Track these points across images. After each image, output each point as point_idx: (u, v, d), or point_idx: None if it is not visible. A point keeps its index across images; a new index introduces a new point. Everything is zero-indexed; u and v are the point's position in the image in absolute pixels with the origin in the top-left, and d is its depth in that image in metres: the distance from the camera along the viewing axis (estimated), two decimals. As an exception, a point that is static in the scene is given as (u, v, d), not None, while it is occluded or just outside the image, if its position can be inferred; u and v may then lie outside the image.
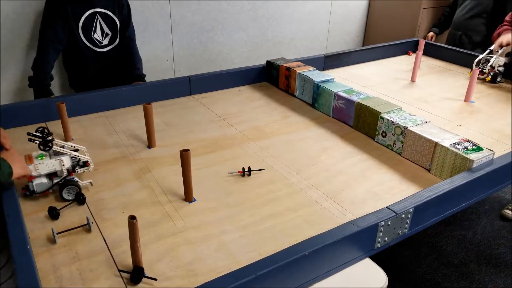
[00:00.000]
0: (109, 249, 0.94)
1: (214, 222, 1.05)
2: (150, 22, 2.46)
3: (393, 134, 1.42)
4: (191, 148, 1.40)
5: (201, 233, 1.00)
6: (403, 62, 2.42)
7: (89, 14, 1.75)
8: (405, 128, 1.37)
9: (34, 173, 1.07)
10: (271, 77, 2.03)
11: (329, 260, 0.92)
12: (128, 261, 0.89)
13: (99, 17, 1.78)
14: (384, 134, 1.47)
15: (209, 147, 1.43)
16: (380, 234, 0.99)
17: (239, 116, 1.68)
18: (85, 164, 1.17)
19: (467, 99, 1.86)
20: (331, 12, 3.24)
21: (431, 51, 2.51)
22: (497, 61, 2.10)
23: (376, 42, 2.96)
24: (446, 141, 1.27)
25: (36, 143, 1.10)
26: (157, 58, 2.55)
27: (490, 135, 1.56)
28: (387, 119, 1.44)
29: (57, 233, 0.95)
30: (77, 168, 1.15)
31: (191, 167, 1.09)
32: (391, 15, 3.26)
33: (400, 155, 1.41)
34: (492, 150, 1.24)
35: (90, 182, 1.17)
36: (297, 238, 0.99)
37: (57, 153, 1.12)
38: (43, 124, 1.53)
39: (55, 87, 2.23)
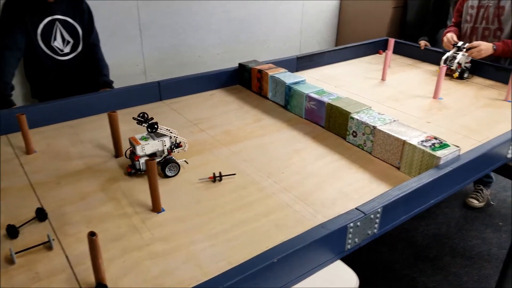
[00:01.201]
0: (71, 267, 0.91)
1: (182, 232, 1.03)
2: (118, 26, 2.41)
3: (363, 134, 1.43)
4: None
5: (169, 244, 0.98)
6: (374, 61, 2.45)
7: (48, 22, 1.69)
8: (374, 127, 1.38)
9: (140, 153, 1.21)
10: (244, 80, 2.02)
11: (299, 265, 0.91)
12: (92, 278, 0.85)
13: (58, 24, 1.73)
14: (354, 134, 1.47)
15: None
16: (350, 235, 0.98)
17: (211, 120, 1.66)
18: (179, 145, 1.32)
19: (435, 96, 1.89)
20: (303, 13, 3.25)
21: (401, 50, 2.54)
22: (464, 57, 2.14)
23: (348, 42, 2.99)
24: (414, 139, 1.28)
25: (144, 125, 1.25)
26: (127, 64, 2.50)
27: (458, 130, 1.59)
28: (357, 119, 1.44)
29: (16, 253, 0.91)
30: (174, 148, 1.28)
31: (157, 175, 1.06)
32: (362, 14, 3.29)
33: (371, 154, 1.42)
34: (458, 147, 1.26)
35: (185, 161, 1.32)
36: (268, 245, 0.98)
37: (159, 135, 1.25)
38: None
39: (18, 97, 2.15)
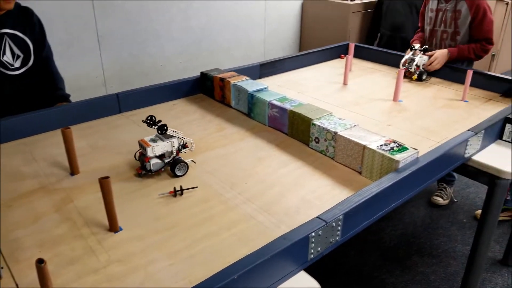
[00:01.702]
0: (21, 296, 0.86)
1: (141, 251, 0.99)
2: (75, 38, 2.34)
3: (325, 140, 1.43)
4: (119, 171, 1.35)
5: (126, 265, 0.94)
6: (337, 66, 2.47)
7: None
8: (335, 133, 1.38)
9: (151, 154, 1.26)
10: (206, 89, 1.99)
11: (261, 279, 0.89)
12: (43, 307, 0.81)
13: (7, 38, 1.65)
14: (317, 140, 1.47)
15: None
16: (312, 245, 0.98)
17: (172, 132, 1.62)
18: (185, 145, 1.36)
19: (395, 98, 1.92)
20: (265, 19, 3.26)
21: (363, 54, 2.58)
22: (422, 59, 2.20)
23: (311, 47, 3.02)
24: (374, 144, 1.29)
25: (154, 128, 1.29)
26: (85, 76, 2.43)
27: (418, 132, 1.62)
28: (319, 125, 1.44)
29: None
30: (181, 149, 1.33)
31: (112, 194, 1.02)
32: (323, 19, 3.33)
33: (333, 159, 1.42)
34: (417, 149, 1.28)
35: (192, 161, 1.37)
36: (230, 260, 0.95)
37: (167, 136, 1.30)
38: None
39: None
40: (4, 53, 1.66)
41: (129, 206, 1.16)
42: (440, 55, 2.19)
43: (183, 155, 1.36)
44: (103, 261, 0.96)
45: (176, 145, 1.31)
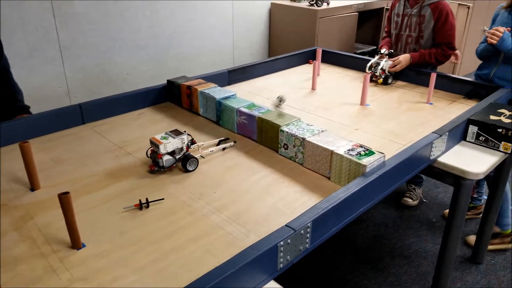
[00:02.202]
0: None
1: (105, 268, 0.95)
2: (35, 48, 2.26)
3: (294, 146, 1.43)
4: (82, 184, 1.30)
5: (90, 283, 0.90)
6: (305, 71, 2.49)
7: None
8: (304, 139, 1.38)
9: (163, 151, 1.31)
10: (174, 97, 1.96)
11: (230, 292, 0.87)
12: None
13: None
14: (286, 147, 1.47)
15: (103, 181, 1.32)
16: (281, 254, 0.97)
17: (139, 142, 1.59)
18: (193, 141, 1.44)
19: (362, 102, 1.95)
20: (233, 26, 3.25)
21: (330, 59, 2.61)
22: (387, 63, 2.24)
23: (280, 52, 3.03)
24: (341, 149, 1.30)
25: None
26: (47, 86, 2.35)
27: (384, 136, 1.64)
28: (287, 132, 1.44)
29: None
30: (190, 145, 1.40)
31: (73, 210, 0.98)
32: (291, 25, 3.36)
33: (302, 165, 1.42)
34: (383, 153, 1.29)
35: (201, 156, 1.45)
36: (198, 272, 0.93)
37: (177, 133, 1.36)
38: None
39: None
40: None
41: (93, 220, 1.12)
42: (404, 59, 2.25)
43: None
44: (65, 280, 0.91)
45: (186, 141, 1.37)
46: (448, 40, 2.28)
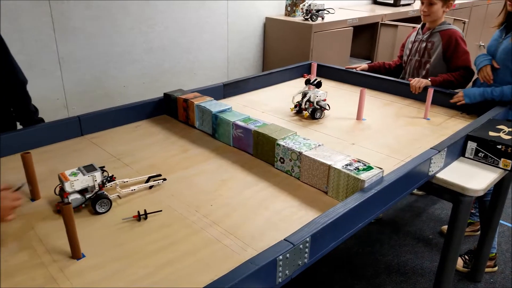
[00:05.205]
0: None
1: (102, 279, 0.94)
2: (34, 60, 2.27)
3: (290, 160, 1.43)
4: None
5: (87, 295, 0.90)
6: (300, 85, 2.50)
7: None
8: (300, 153, 1.39)
9: (69, 190, 1.17)
10: (170, 110, 1.97)
11: (228, 306, 0.87)
12: None
13: None
14: (282, 160, 1.47)
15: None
16: (280, 268, 0.96)
17: (135, 153, 1.58)
18: (112, 178, 1.30)
19: (358, 117, 1.96)
20: (228, 40, 3.28)
21: (325, 73, 2.62)
22: (315, 94, 1.94)
23: (274, 67, 3.05)
24: (339, 163, 1.30)
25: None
26: (46, 98, 2.35)
27: (381, 151, 1.65)
28: (283, 145, 1.44)
29: None
30: (106, 183, 1.26)
31: (74, 220, 0.98)
32: (286, 39, 3.39)
33: (299, 179, 1.42)
34: (381, 168, 1.30)
35: (118, 195, 1.28)
36: (196, 286, 0.93)
37: (90, 170, 1.21)
38: None
39: None
40: None
41: (92, 231, 1.12)
42: (424, 81, 2.21)
43: (107, 190, 1.27)
44: (63, 291, 0.91)
45: (99, 179, 1.21)
46: (464, 64, 2.25)
